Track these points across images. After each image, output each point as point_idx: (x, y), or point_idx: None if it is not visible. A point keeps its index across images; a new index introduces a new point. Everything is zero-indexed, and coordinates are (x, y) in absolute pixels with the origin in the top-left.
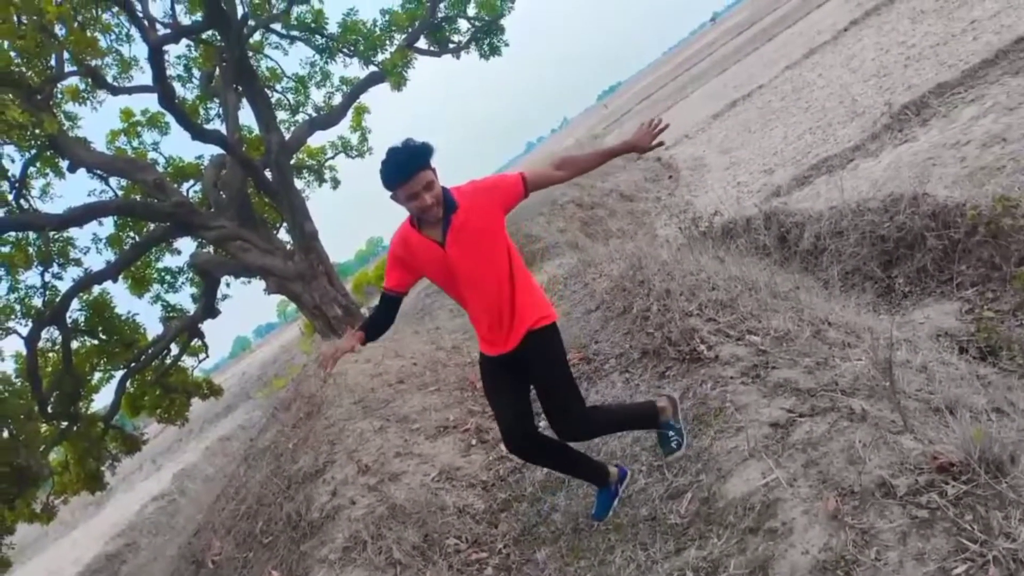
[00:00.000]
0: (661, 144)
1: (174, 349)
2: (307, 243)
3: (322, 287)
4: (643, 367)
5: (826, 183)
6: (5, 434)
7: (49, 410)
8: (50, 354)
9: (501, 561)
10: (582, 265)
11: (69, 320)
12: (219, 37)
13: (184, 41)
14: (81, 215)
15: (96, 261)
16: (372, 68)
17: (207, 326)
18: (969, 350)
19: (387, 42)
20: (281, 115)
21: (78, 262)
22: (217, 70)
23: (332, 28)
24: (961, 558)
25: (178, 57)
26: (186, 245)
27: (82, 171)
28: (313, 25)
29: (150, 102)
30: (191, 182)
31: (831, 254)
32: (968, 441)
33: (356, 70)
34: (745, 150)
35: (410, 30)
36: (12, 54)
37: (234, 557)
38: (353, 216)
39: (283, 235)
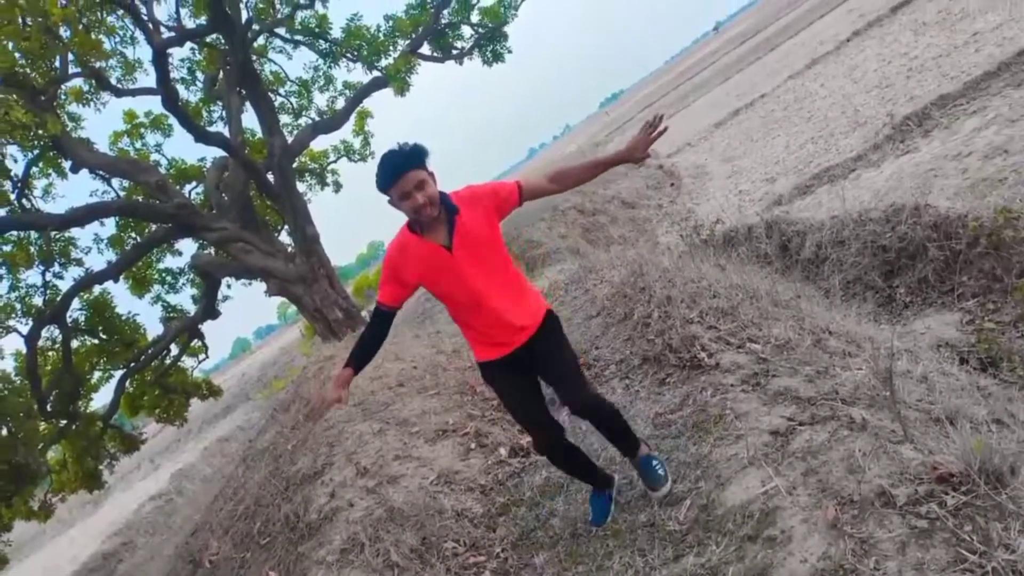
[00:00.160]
0: (648, 156)
1: (174, 349)
2: (308, 246)
3: (323, 290)
4: (643, 373)
5: (828, 192)
6: (4, 432)
7: (48, 408)
8: (50, 353)
9: (499, 565)
10: (583, 271)
11: (69, 319)
12: (223, 41)
13: (188, 44)
14: (83, 215)
15: (97, 261)
16: (375, 73)
17: (207, 327)
18: (970, 361)
19: (390, 48)
20: (284, 119)
21: (79, 262)
22: (221, 73)
23: (336, 33)
24: (960, 569)
25: (182, 60)
26: (187, 246)
27: (84, 172)
28: (317, 30)
29: (153, 104)
30: (193, 184)
31: (832, 263)
32: (968, 452)
33: (359, 75)
34: (747, 159)
35: (413, 36)
36: (17, 55)
37: (231, 557)
38: (354, 220)
39: (284, 238)
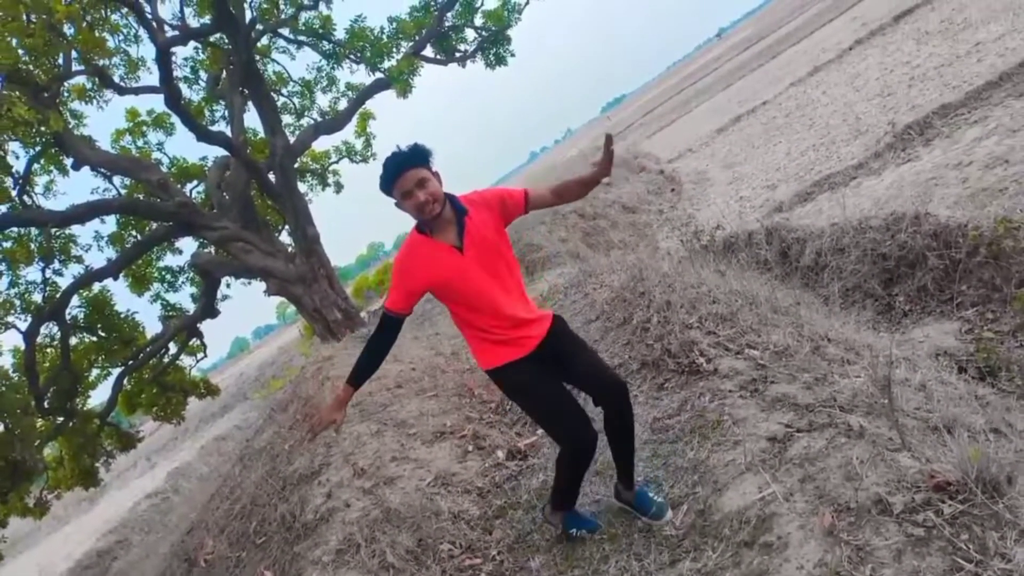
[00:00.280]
0: (608, 177)
1: (172, 348)
2: (309, 246)
3: (323, 290)
4: (642, 378)
5: (828, 200)
6: (1, 428)
7: (45, 405)
8: (48, 350)
9: (495, 568)
10: (583, 275)
11: (68, 316)
12: (227, 40)
13: (192, 43)
14: (84, 213)
15: (97, 259)
16: (378, 75)
17: (206, 326)
18: (968, 370)
19: (394, 49)
20: (286, 119)
21: (79, 259)
22: (224, 73)
23: (339, 34)
24: None
25: (185, 59)
26: (187, 245)
27: (86, 169)
28: (321, 31)
29: (156, 103)
30: (194, 183)
31: (832, 271)
32: (965, 461)
33: (362, 76)
34: (748, 165)
35: (417, 38)
36: (20, 52)
37: (227, 556)
38: (355, 221)
39: (285, 238)
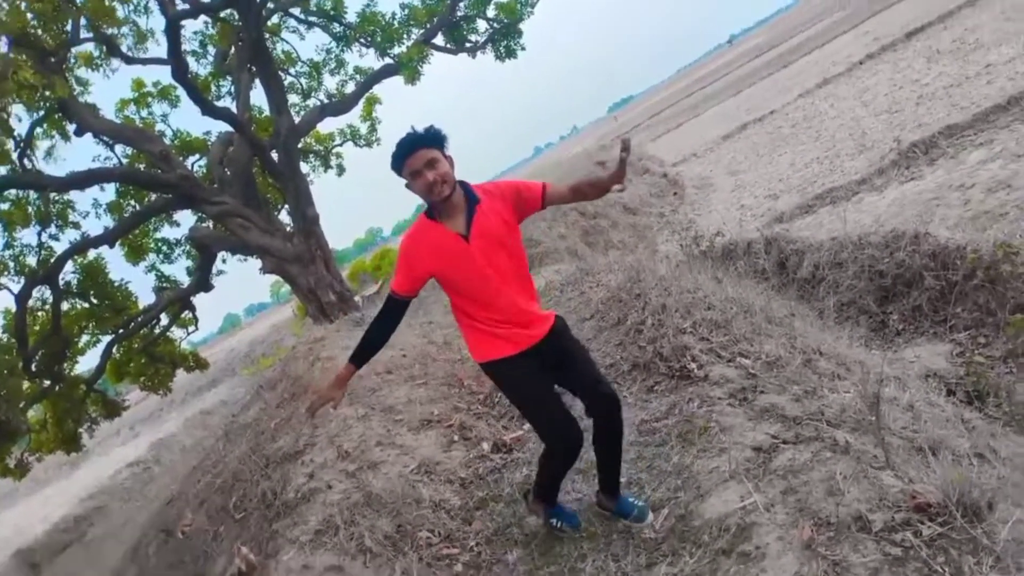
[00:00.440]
0: (623, 188)
1: (164, 319)
2: (308, 227)
3: (318, 271)
4: (632, 380)
5: (829, 213)
6: None
7: (33, 368)
8: (39, 313)
9: (472, 559)
10: (580, 273)
11: (62, 281)
12: (237, 16)
13: (202, 17)
14: (84, 179)
15: (94, 226)
16: (387, 60)
17: (199, 300)
18: (957, 393)
19: (404, 35)
20: (292, 99)
21: (76, 225)
22: (232, 49)
23: (351, 17)
24: None
25: (195, 33)
26: (186, 218)
27: (88, 136)
28: (332, 12)
29: (162, 75)
30: (196, 157)
31: (828, 284)
32: (948, 483)
33: (371, 60)
34: (752, 173)
35: (428, 26)
36: (29, 16)
37: (205, 530)
38: (355, 205)
39: (284, 217)
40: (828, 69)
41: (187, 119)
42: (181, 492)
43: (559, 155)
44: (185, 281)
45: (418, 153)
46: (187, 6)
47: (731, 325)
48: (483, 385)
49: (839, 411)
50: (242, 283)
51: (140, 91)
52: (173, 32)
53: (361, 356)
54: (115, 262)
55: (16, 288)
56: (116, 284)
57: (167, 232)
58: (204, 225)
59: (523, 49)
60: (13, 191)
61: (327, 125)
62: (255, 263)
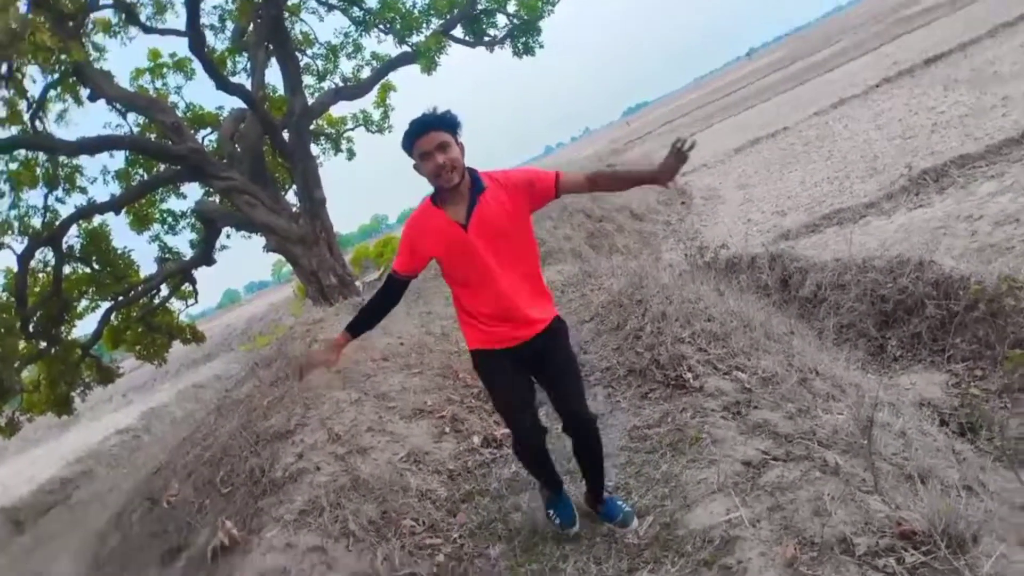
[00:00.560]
0: (675, 185)
1: (164, 290)
2: (314, 209)
3: (321, 254)
4: (627, 385)
5: (836, 234)
6: None
7: (30, 329)
8: (40, 275)
9: (454, 550)
10: (583, 275)
11: (65, 245)
12: None
13: None
14: (94, 144)
15: (101, 192)
16: (405, 48)
17: (200, 273)
18: (950, 424)
19: (424, 25)
20: (307, 80)
21: (83, 190)
22: (251, 26)
23: (371, 2)
24: None
25: (214, 7)
26: (192, 191)
27: (101, 103)
28: None
29: (179, 46)
30: (207, 130)
31: (830, 305)
32: (935, 513)
33: (389, 47)
34: (761, 188)
35: (448, 17)
36: None
37: (190, 501)
38: (362, 191)
39: (291, 197)
40: (845, 89)
41: (201, 93)
42: (169, 462)
43: (570, 155)
44: (188, 253)
45: (431, 135)
46: None
47: (730, 338)
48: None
49: (831, 432)
50: (244, 260)
51: (156, 61)
52: (193, 4)
53: (356, 327)
54: (119, 230)
55: (19, 248)
56: (119, 251)
57: (173, 204)
58: (211, 199)
59: (541, 47)
60: (23, 152)
61: (340, 109)
62: (259, 241)
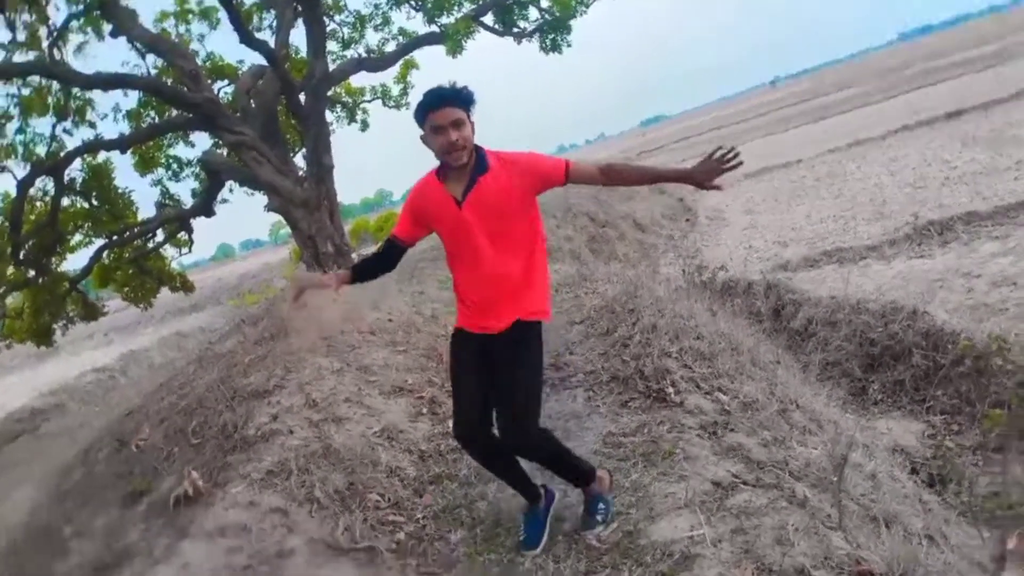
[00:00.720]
0: (719, 188)
1: (160, 235)
2: (321, 174)
3: (322, 220)
4: (608, 391)
5: (834, 272)
6: None
7: (21, 256)
8: (38, 203)
9: (416, 530)
10: (579, 277)
11: (67, 177)
12: None
13: None
14: (110, 81)
15: (110, 129)
16: (433, 27)
17: (197, 223)
18: (920, 473)
19: (455, 7)
20: (331, 46)
21: (92, 125)
22: None
23: None
24: None
25: None
26: (201, 140)
27: (122, 40)
28: None
29: None
30: (225, 82)
31: (818, 340)
32: (895, 557)
33: (417, 24)
34: (767, 216)
35: (481, 2)
36: None
37: (159, 447)
38: (370, 164)
39: (299, 161)
40: (862, 131)
41: (223, 44)
42: (143, 406)
43: (583, 157)
44: (188, 202)
45: (447, 109)
46: None
47: (716, 359)
48: None
49: (803, 464)
50: (243, 216)
51: (182, 6)
52: None
53: (357, 271)
54: (123, 169)
55: (21, 174)
56: (120, 190)
57: (181, 150)
58: (219, 151)
59: (569, 46)
60: (37, 78)
61: (360, 79)
62: (261, 199)
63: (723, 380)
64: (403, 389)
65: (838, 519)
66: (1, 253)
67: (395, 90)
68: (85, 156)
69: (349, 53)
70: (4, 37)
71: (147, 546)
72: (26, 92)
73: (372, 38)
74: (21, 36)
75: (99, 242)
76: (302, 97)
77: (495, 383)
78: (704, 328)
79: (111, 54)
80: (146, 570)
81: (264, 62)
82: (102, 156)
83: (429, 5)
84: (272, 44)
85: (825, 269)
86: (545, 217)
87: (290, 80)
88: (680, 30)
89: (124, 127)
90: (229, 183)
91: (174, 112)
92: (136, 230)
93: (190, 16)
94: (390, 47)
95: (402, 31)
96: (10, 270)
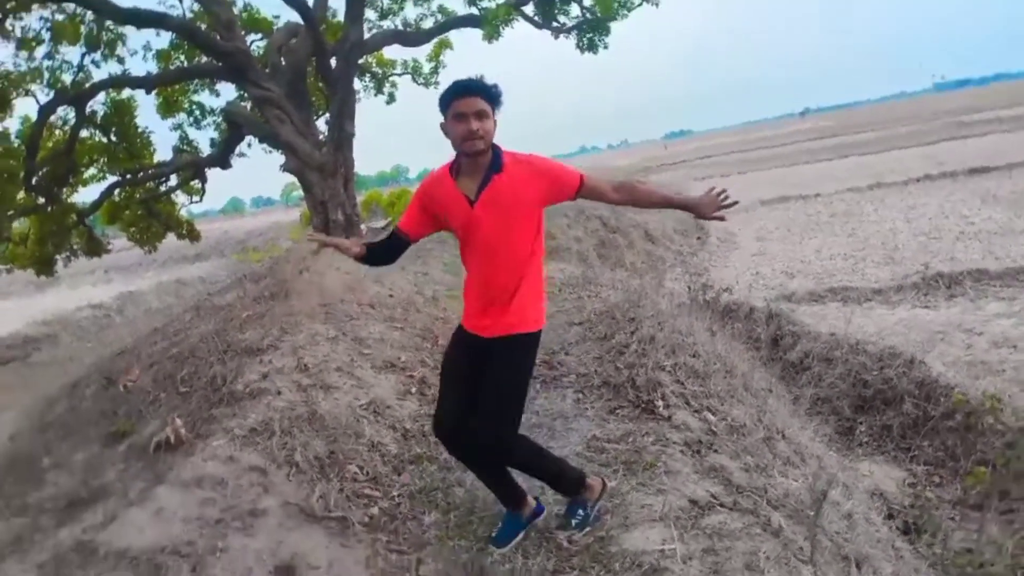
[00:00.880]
0: (722, 219)
1: (173, 180)
2: (341, 141)
3: (336, 187)
4: (598, 395)
5: (837, 310)
6: None
7: (33, 182)
8: (57, 131)
9: (390, 507)
10: (584, 279)
11: (89, 109)
12: None
13: None
14: (144, 17)
15: (138, 67)
16: (473, 10)
17: (211, 173)
18: (896, 519)
19: None
20: (369, 14)
21: (121, 60)
22: None
23: None
24: None
25: None
26: (227, 91)
27: None
28: None
29: None
30: (259, 36)
31: (812, 375)
32: None
33: (457, 4)
34: (777, 245)
35: None
36: None
37: (147, 391)
38: (390, 138)
39: (321, 125)
40: (885, 175)
41: None
42: (135, 348)
43: (604, 162)
44: (206, 151)
45: (473, 99)
46: None
47: (709, 379)
48: None
49: (782, 494)
50: (258, 172)
51: None
52: None
53: (372, 252)
54: (145, 109)
55: (44, 99)
56: (140, 129)
57: (205, 98)
58: (243, 104)
59: (606, 47)
60: (71, 5)
61: (393, 52)
62: (278, 158)
63: (713, 400)
64: (395, 366)
65: (810, 553)
66: (13, 175)
67: (426, 67)
68: (110, 90)
69: (386, 24)
70: None
71: (123, 487)
72: (60, 18)
73: (411, 12)
74: None
75: (112, 179)
76: (333, 61)
77: (481, 384)
78: (701, 347)
79: None
80: (119, 510)
81: (300, 20)
82: (126, 93)
83: None
84: (310, 3)
85: (829, 306)
86: (557, 216)
87: (323, 42)
88: (713, 48)
89: (152, 67)
90: (249, 138)
91: (204, 59)
92: (151, 171)
93: None
94: (427, 23)
95: (442, 8)
96: (20, 194)
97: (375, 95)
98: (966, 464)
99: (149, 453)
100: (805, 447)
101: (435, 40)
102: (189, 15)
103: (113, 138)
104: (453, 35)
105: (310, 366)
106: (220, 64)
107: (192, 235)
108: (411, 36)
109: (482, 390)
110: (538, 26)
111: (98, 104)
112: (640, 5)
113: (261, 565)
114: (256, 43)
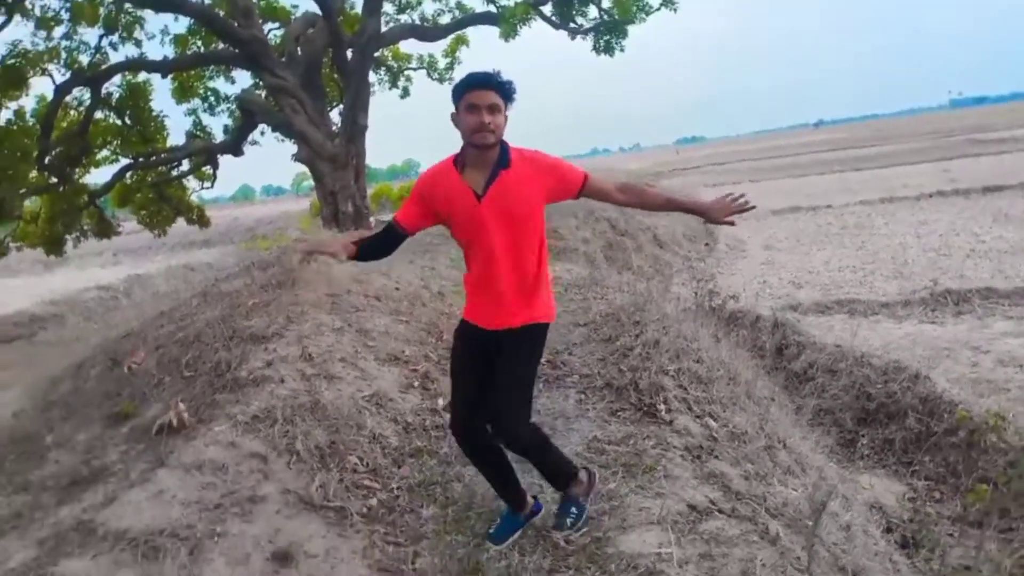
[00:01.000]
0: (732, 224)
1: (185, 165)
2: (354, 133)
3: (347, 178)
4: (600, 397)
5: (843, 322)
6: None
7: (46, 161)
8: (72, 112)
9: (389, 499)
10: (590, 280)
11: (104, 90)
12: None
13: None
14: (163, 2)
15: (155, 51)
16: (491, 8)
17: (223, 160)
18: (894, 533)
19: None
20: (387, 7)
21: (138, 43)
22: None
23: None
24: None
25: None
26: (242, 78)
27: None
28: None
29: None
30: (276, 25)
31: (816, 386)
32: None
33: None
34: (786, 255)
35: None
36: None
37: (151, 373)
38: (402, 133)
39: (335, 116)
40: (897, 189)
41: None
42: (141, 330)
43: (613, 164)
44: (219, 137)
45: (487, 92)
46: None
47: (712, 385)
48: None
49: (781, 503)
50: (269, 161)
51: None
52: None
53: (365, 248)
54: (160, 93)
55: (60, 79)
56: (154, 113)
57: (220, 85)
58: (257, 92)
59: (622, 51)
60: None
61: (409, 46)
62: (290, 147)
63: (715, 407)
64: (399, 359)
65: (807, 563)
66: (27, 154)
67: (442, 63)
68: (126, 73)
69: (403, 18)
70: None
71: (124, 468)
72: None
73: (429, 7)
74: None
75: (125, 161)
76: (349, 53)
77: (494, 377)
78: (705, 352)
79: None
80: (120, 491)
81: (318, 11)
82: (142, 76)
83: None
84: None
85: (835, 317)
86: (565, 217)
87: (340, 34)
88: (729, 55)
89: (169, 51)
90: (262, 126)
91: (220, 45)
92: (163, 156)
93: None
94: (445, 19)
95: (460, 5)
96: (33, 173)
97: (389, 88)
98: (967, 481)
99: (151, 436)
100: (806, 457)
101: (452, 36)
102: (208, 1)
103: (127, 121)
104: (470, 32)
105: (314, 356)
106: (236, 51)
107: (202, 220)
108: (428, 31)
109: (497, 380)
110: (555, 26)
111: (114, 86)
112: (659, 9)
113: (259, 551)
114: (273, 32)
